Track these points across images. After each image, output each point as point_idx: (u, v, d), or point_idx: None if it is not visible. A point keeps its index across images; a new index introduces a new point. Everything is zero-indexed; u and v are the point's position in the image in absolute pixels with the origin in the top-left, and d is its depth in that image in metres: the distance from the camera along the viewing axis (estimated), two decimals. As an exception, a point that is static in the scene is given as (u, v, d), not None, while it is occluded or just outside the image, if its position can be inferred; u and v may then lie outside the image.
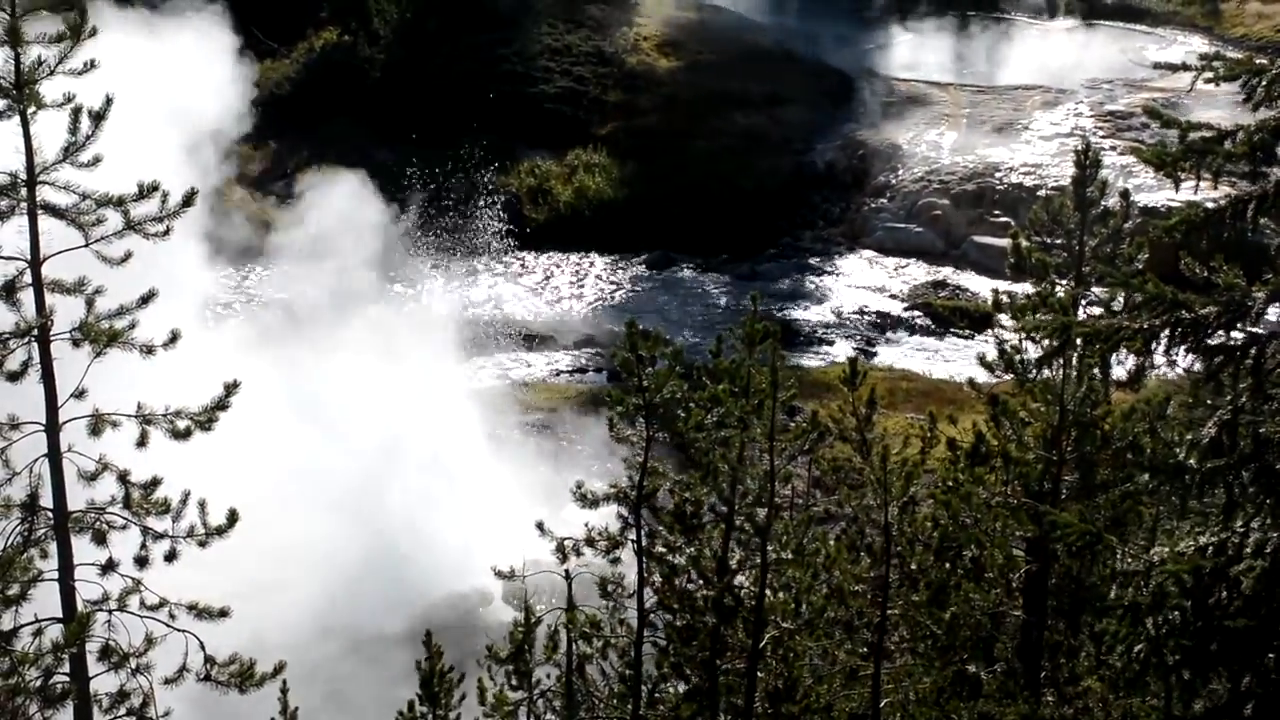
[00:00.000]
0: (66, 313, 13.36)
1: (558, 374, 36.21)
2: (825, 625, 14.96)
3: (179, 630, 14.05)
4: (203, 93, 27.01)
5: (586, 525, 14.26)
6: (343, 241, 32.23)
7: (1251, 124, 10.79)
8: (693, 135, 48.04)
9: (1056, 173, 43.09)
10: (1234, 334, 10.72)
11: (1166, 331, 10.70)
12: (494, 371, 36.20)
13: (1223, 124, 11.06)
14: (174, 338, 13.70)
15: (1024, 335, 16.92)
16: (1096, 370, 16.36)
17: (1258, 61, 10.83)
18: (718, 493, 13.95)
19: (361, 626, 23.81)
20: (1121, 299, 16.21)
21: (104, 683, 14.04)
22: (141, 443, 13.80)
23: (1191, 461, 10.86)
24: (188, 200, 13.55)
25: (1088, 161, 17.54)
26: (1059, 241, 17.91)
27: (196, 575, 14.34)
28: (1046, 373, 16.36)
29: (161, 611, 14.02)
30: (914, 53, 55.68)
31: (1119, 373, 17.27)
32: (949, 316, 39.73)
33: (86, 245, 13.31)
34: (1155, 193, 38.78)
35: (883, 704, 14.64)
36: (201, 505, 14.05)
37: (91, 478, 13.79)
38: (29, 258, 13.20)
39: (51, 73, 12.78)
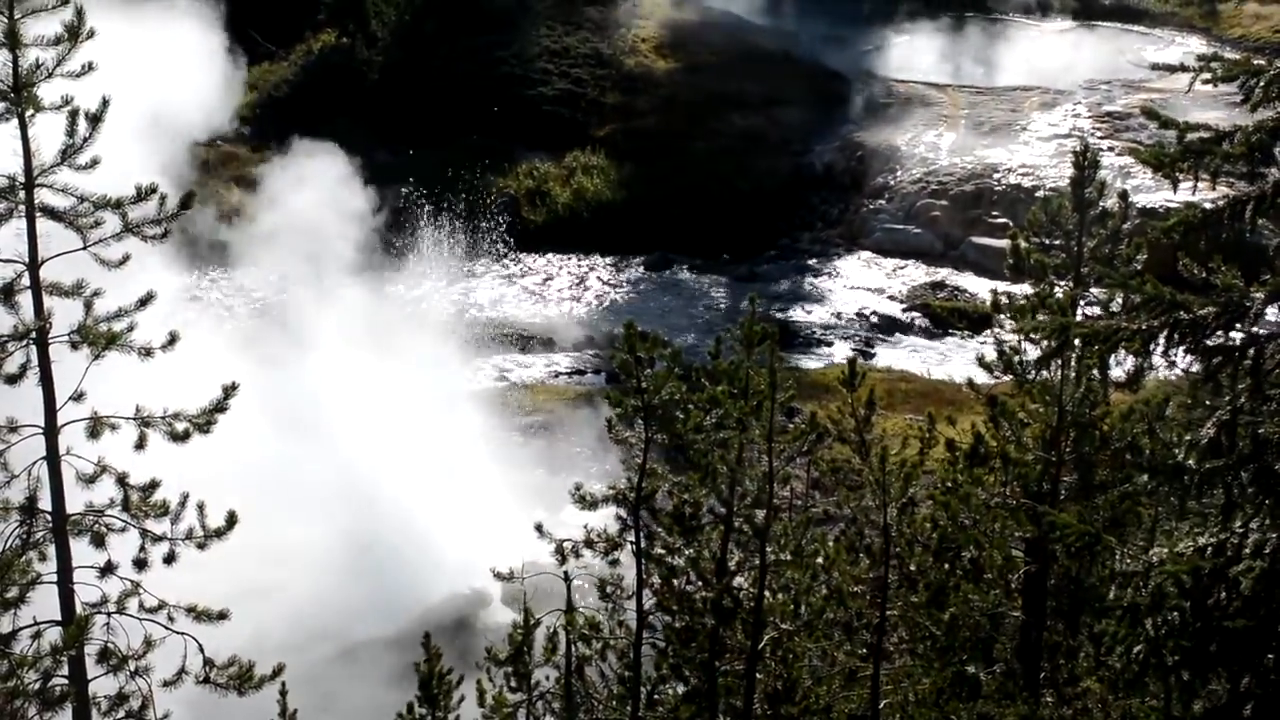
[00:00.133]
0: (65, 315, 13.35)
1: (556, 375, 36.21)
2: (824, 626, 14.96)
3: (178, 633, 14.05)
4: (186, 85, 26.85)
5: (585, 527, 14.25)
6: (342, 241, 32.22)
7: (1249, 125, 10.79)
8: (691, 137, 48.07)
9: (1054, 174, 43.11)
10: (1232, 334, 10.72)
11: (1165, 332, 10.70)
12: (492, 373, 36.20)
13: (1221, 125, 11.07)
14: (172, 340, 13.70)
15: (1022, 336, 16.93)
16: (1095, 371, 16.37)
17: (1255, 62, 10.84)
18: (716, 494, 13.95)
19: (360, 628, 23.80)
20: (1120, 300, 16.21)
21: (103, 685, 14.04)
22: (140, 445, 13.79)
23: (1190, 462, 10.86)
24: (185, 203, 13.56)
25: (1086, 162, 17.54)
26: (1057, 242, 17.91)
27: (194, 577, 14.34)
28: (1045, 373, 16.37)
29: (160, 614, 14.02)
30: (912, 54, 55.68)
31: (1117, 373, 17.28)
32: (947, 317, 39.74)
33: (84, 248, 13.31)
34: (1153, 193, 38.82)
35: (882, 705, 14.64)
36: (200, 508, 14.05)
37: (90, 480, 13.79)
38: (27, 260, 13.20)
39: (50, 75, 12.78)
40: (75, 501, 13.86)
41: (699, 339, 36.69)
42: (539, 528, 14.49)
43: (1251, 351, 10.65)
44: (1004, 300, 17.98)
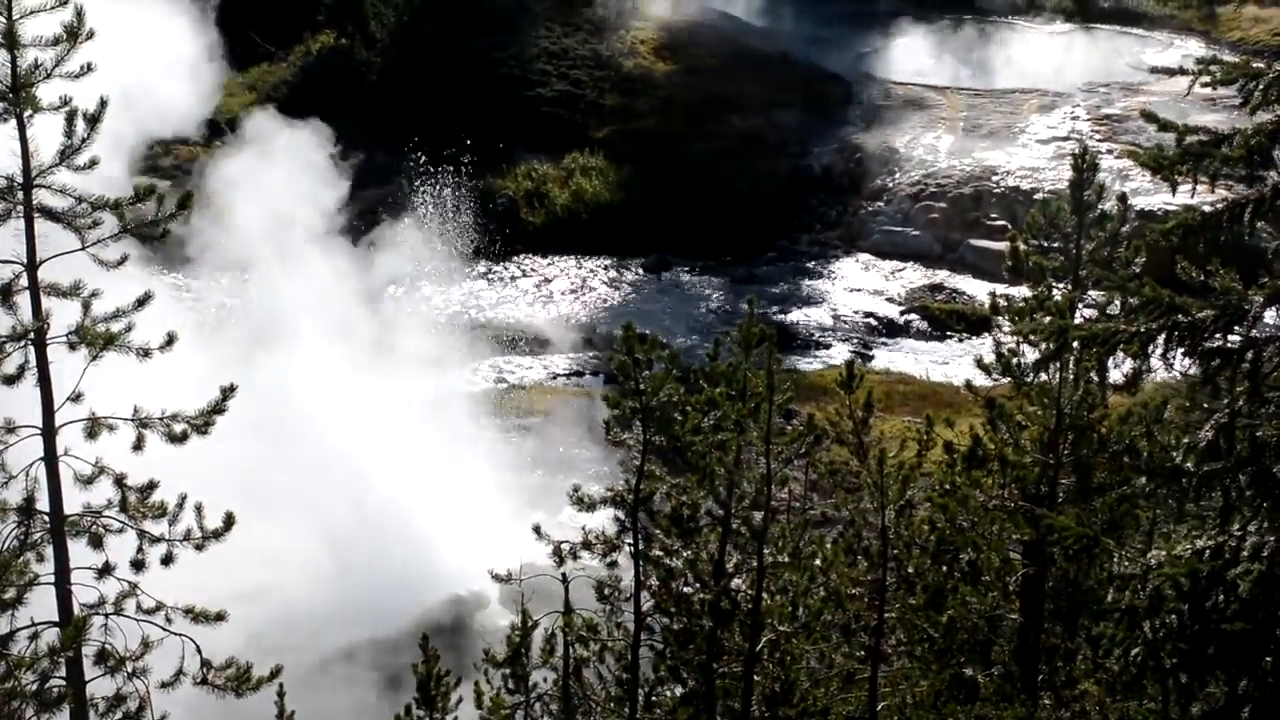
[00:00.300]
0: (63, 316, 13.35)
1: (555, 377, 36.21)
2: (822, 628, 14.96)
3: (175, 634, 14.04)
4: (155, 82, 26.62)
5: (583, 528, 14.26)
6: (341, 244, 32.18)
7: (1248, 128, 10.79)
8: (690, 139, 48.08)
9: (1053, 176, 43.14)
10: (1231, 337, 10.72)
11: (1163, 335, 10.70)
12: (490, 374, 36.20)
13: (1220, 128, 11.07)
14: (170, 341, 13.69)
15: (1021, 338, 16.93)
16: (1093, 373, 16.37)
17: (1254, 65, 10.83)
18: (714, 496, 13.95)
19: (359, 630, 23.78)
20: (1118, 302, 16.21)
21: (100, 686, 14.03)
22: (138, 446, 13.79)
23: (1188, 465, 10.85)
24: (184, 203, 13.56)
25: (1085, 165, 17.55)
26: (1056, 245, 17.91)
27: (192, 578, 14.33)
28: (1043, 376, 16.37)
29: (158, 615, 14.01)
30: (910, 57, 55.70)
31: (1116, 376, 17.27)
32: (946, 320, 39.75)
33: (83, 248, 13.31)
34: (1152, 196, 38.83)
35: (880, 707, 14.64)
36: (198, 509, 14.04)
37: (88, 481, 13.78)
38: (25, 261, 13.20)
39: (48, 76, 12.78)
40: (73, 502, 13.85)
41: (697, 341, 36.69)
42: (537, 529, 14.50)
43: (1250, 354, 10.65)
44: (1002, 302, 17.97)
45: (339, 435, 25.92)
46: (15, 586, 13.14)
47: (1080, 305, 17.47)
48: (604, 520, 14.34)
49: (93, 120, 13.00)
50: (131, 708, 13.98)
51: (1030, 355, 16.85)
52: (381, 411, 28.55)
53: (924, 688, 14.65)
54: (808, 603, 14.48)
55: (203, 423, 13.91)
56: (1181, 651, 10.59)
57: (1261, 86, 10.62)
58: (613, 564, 14.39)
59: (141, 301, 13.50)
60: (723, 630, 14.25)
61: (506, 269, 43.48)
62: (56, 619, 13.78)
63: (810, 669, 14.98)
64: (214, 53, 32.28)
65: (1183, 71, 11.32)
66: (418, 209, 42.63)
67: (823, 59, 54.32)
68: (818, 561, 14.75)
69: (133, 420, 13.74)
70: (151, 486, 13.90)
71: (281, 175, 30.16)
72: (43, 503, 13.71)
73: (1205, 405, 11.29)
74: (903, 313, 40.63)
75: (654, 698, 14.77)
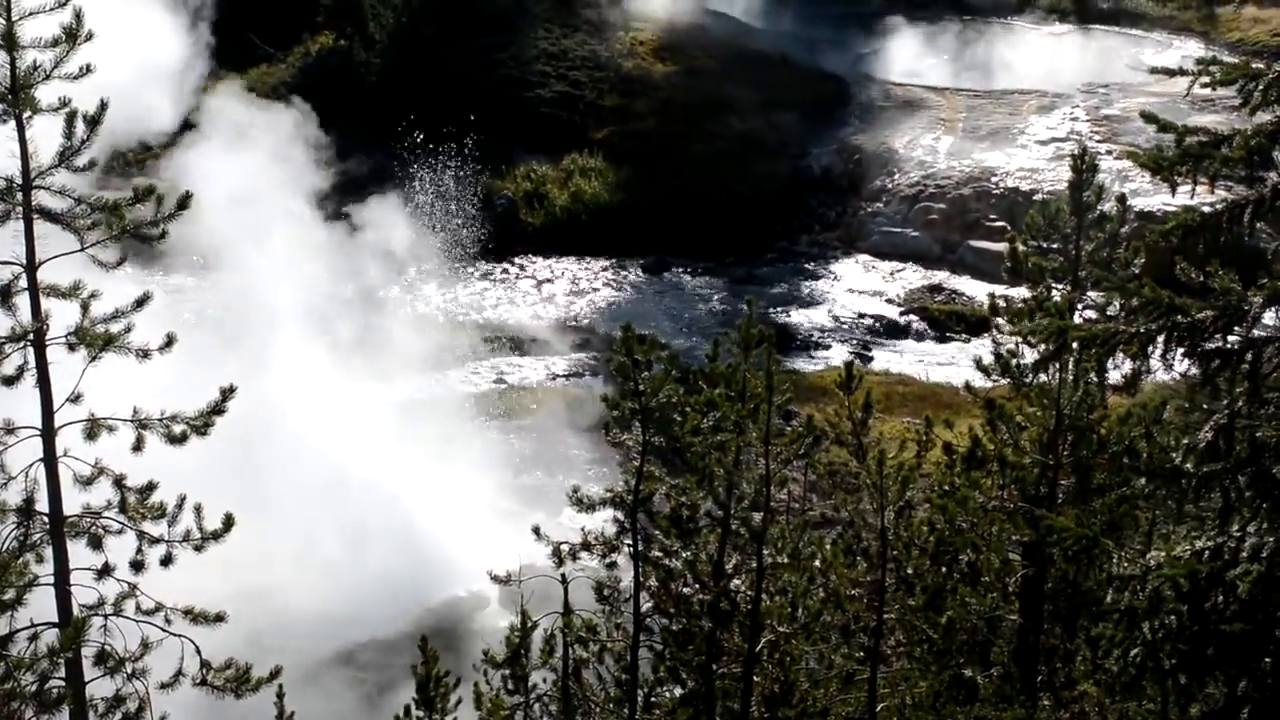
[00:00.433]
0: (62, 317, 13.35)
1: (554, 378, 36.21)
2: (821, 629, 14.96)
3: (175, 635, 14.03)
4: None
5: (583, 529, 14.25)
6: (339, 243, 32.18)
7: (1248, 129, 10.79)
8: (689, 140, 48.09)
9: (1052, 177, 43.16)
10: (1230, 338, 10.72)
11: (1163, 336, 10.69)
12: (489, 375, 36.20)
13: (1219, 129, 11.07)
14: (169, 342, 13.69)
15: (1020, 339, 16.92)
16: (1093, 374, 16.36)
17: (1254, 66, 10.83)
18: (714, 497, 13.95)
19: (358, 631, 23.79)
20: (1118, 303, 16.21)
21: (100, 688, 14.02)
22: (137, 447, 13.78)
23: (1188, 466, 10.85)
24: (183, 204, 13.56)
25: (1084, 166, 17.54)
26: (1055, 246, 17.90)
27: (191, 579, 14.33)
28: (1043, 377, 16.36)
29: (157, 616, 14.00)
30: (909, 58, 55.73)
31: (1115, 377, 17.26)
32: (945, 321, 39.77)
33: (82, 249, 13.31)
34: (1151, 197, 38.85)
35: (879, 708, 14.63)
36: (197, 510, 14.03)
37: (87, 482, 13.78)
38: (24, 262, 13.21)
39: (47, 77, 12.78)
40: (72, 503, 13.85)
41: (696, 342, 36.68)
42: (536, 530, 14.50)
43: (1249, 355, 10.65)
44: (1001, 303, 17.97)
45: (338, 436, 25.92)
46: (15, 587, 13.13)
47: (1079, 306, 17.47)
48: (603, 521, 14.34)
49: (92, 122, 13.00)
50: (131, 708, 13.97)
51: (1029, 356, 16.84)
52: (380, 412, 28.56)
53: (923, 689, 14.65)
54: (807, 604, 14.48)
55: (202, 424, 13.91)
56: (1181, 652, 10.59)
57: (1261, 87, 10.62)
58: (612, 565, 14.39)
59: (140, 302, 13.51)
60: (722, 631, 14.25)
61: (506, 270, 43.49)
62: (56, 620, 13.78)
63: (809, 670, 14.97)
64: (194, 58, 31.98)
65: (1182, 72, 11.32)
66: (416, 210, 42.62)
67: (822, 60, 54.36)
68: (817, 562, 14.74)
69: (132, 421, 13.74)
70: (151, 487, 13.90)
71: (256, 161, 29.70)
72: (42, 503, 13.71)
73: (1205, 406, 11.28)
74: (902, 314, 40.65)
75: (653, 699, 14.76)
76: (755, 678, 14.29)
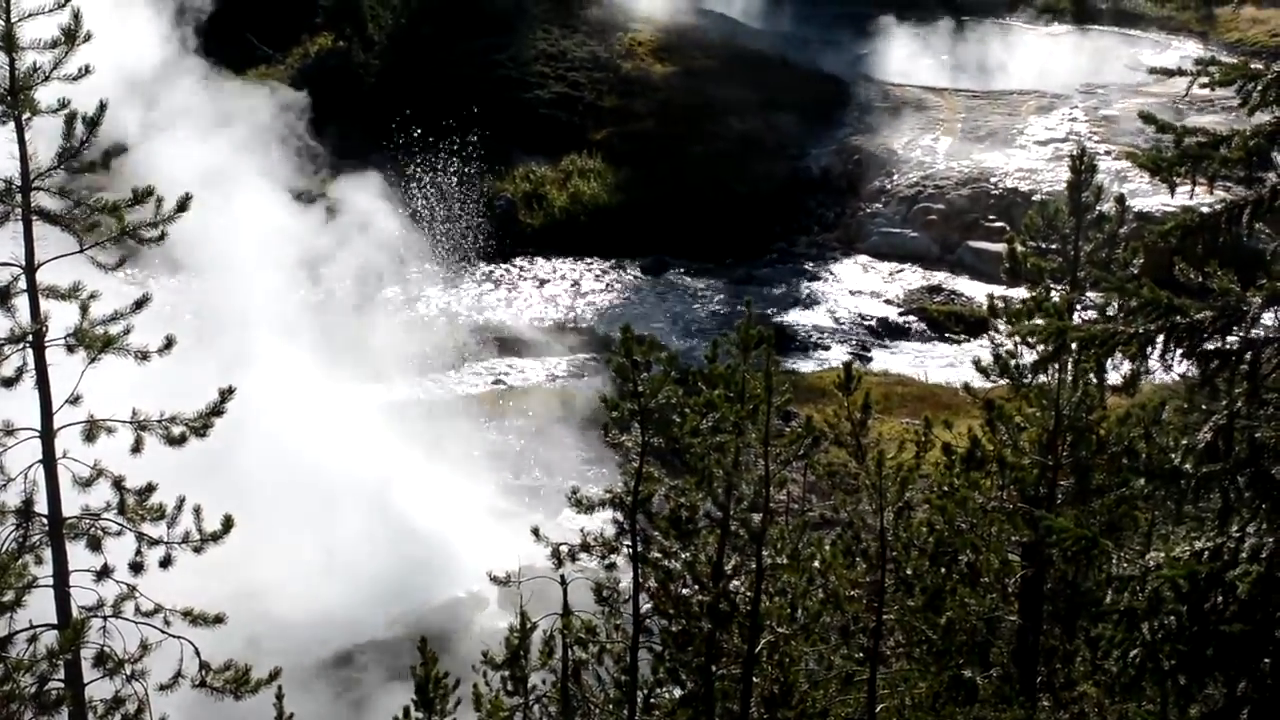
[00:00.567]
0: (61, 318, 13.35)
1: (553, 379, 36.21)
2: (821, 630, 14.96)
3: (174, 636, 14.03)
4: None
5: (582, 530, 14.26)
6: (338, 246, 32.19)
7: (1247, 129, 10.79)
8: (688, 140, 48.07)
9: (1051, 178, 43.15)
10: (1229, 339, 10.72)
11: (1162, 336, 10.69)
12: (488, 377, 36.20)
13: (1218, 129, 11.07)
14: (169, 343, 13.68)
15: (1019, 340, 16.92)
16: (1092, 375, 16.37)
17: (1253, 66, 10.82)
18: (713, 498, 13.95)
19: (357, 632, 23.79)
20: (1117, 304, 16.22)
21: (99, 689, 14.02)
22: (136, 449, 13.78)
23: (1187, 466, 10.85)
24: (182, 206, 13.56)
25: (1083, 166, 17.55)
26: (1054, 246, 17.91)
27: (189, 580, 14.33)
28: (1042, 377, 16.37)
29: (156, 617, 14.00)
30: (908, 58, 55.73)
31: (1114, 378, 17.28)
32: (944, 321, 39.76)
33: (81, 251, 13.32)
34: (1150, 198, 38.83)
35: (878, 709, 14.63)
36: (196, 511, 14.03)
37: (86, 483, 13.78)
38: (24, 264, 13.21)
39: (46, 78, 12.78)
40: (71, 505, 13.85)
41: (695, 342, 36.70)
42: (536, 531, 14.50)
43: (1248, 356, 10.65)
44: (1000, 304, 17.97)
45: (337, 438, 25.93)
46: (14, 589, 13.12)
47: (1078, 307, 17.48)
48: (602, 522, 14.34)
49: (91, 123, 13.01)
50: (130, 710, 13.97)
51: (1028, 357, 16.84)
52: (379, 414, 28.57)
53: (923, 689, 14.65)
54: (806, 604, 14.48)
55: (201, 425, 13.90)
56: (1180, 653, 10.59)
57: (1260, 88, 10.61)
58: (611, 566, 14.39)
59: (140, 304, 13.51)
60: (721, 632, 14.25)
61: (505, 271, 43.47)
62: (55, 621, 13.78)
63: (809, 671, 14.97)
64: (176, 58, 31.80)
65: (1181, 73, 11.32)
66: (415, 211, 42.64)
67: (821, 61, 54.35)
68: (816, 563, 14.75)
69: (131, 423, 13.74)
70: (150, 489, 13.89)
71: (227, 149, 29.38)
72: (41, 505, 13.71)
73: (1204, 407, 11.28)
74: (901, 314, 40.65)
75: (653, 700, 14.76)
76: (754, 679, 14.29)
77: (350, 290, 33.29)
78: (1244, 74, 10.71)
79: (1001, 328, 17.70)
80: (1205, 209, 10.93)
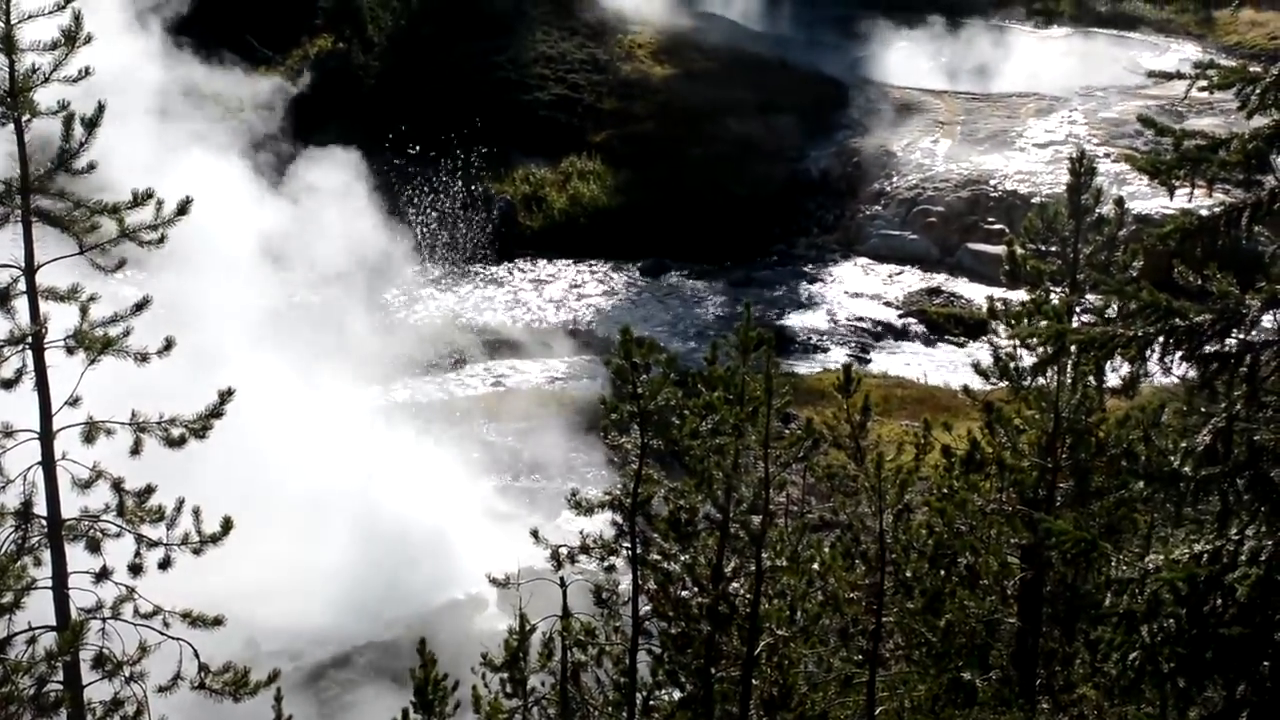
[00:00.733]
0: (60, 320, 13.35)
1: (552, 381, 36.21)
2: (820, 632, 14.96)
3: (173, 638, 14.02)
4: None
5: (581, 532, 14.25)
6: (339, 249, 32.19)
7: (1245, 132, 10.80)
8: (687, 142, 48.07)
9: (1051, 180, 43.14)
10: (1228, 341, 10.72)
11: (1161, 339, 10.69)
12: (487, 378, 36.21)
13: (1217, 132, 11.07)
14: (168, 345, 13.68)
15: (1018, 342, 16.91)
16: (1091, 377, 16.36)
17: (1252, 69, 10.83)
18: (712, 500, 13.95)
19: (356, 634, 23.80)
20: (1116, 306, 16.22)
21: (98, 691, 14.00)
22: (135, 450, 13.78)
23: (1186, 469, 10.85)
24: (182, 208, 13.55)
25: (1082, 169, 17.54)
26: (1053, 249, 17.90)
27: (187, 582, 14.32)
28: (1041, 380, 16.36)
29: (155, 619, 13.99)
30: (908, 60, 55.73)
31: (1113, 380, 17.26)
32: (943, 323, 39.78)
33: (81, 252, 13.32)
34: (1149, 200, 38.80)
35: (878, 711, 14.64)
36: (196, 513, 14.02)
37: (85, 485, 13.77)
38: (23, 265, 13.21)
39: (46, 80, 12.78)
40: (70, 506, 13.85)
41: (695, 344, 36.71)
42: (535, 533, 14.49)
43: (1247, 358, 10.65)
44: (1000, 306, 17.96)
45: (335, 439, 25.93)
46: (13, 591, 13.12)
47: (1078, 309, 17.48)
48: (602, 524, 14.33)
49: (90, 124, 13.00)
50: (129, 712, 13.95)
51: (1028, 359, 16.83)
52: (378, 415, 28.57)
53: (922, 692, 14.65)
54: (806, 607, 14.47)
55: (200, 427, 13.90)
56: (1179, 656, 10.58)
57: (1258, 90, 10.62)
58: (610, 568, 14.38)
59: (140, 306, 13.51)
60: (721, 634, 14.25)
61: (504, 273, 43.47)
62: (54, 623, 13.77)
63: (808, 673, 14.97)
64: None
65: (1180, 76, 11.32)
66: (415, 213, 42.67)
67: (820, 63, 54.33)
68: (816, 565, 14.74)
69: (130, 424, 13.74)
70: (149, 490, 13.89)
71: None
72: (40, 507, 13.70)
73: (1203, 409, 11.28)
74: (900, 316, 40.66)
75: (652, 702, 14.76)
76: (754, 681, 14.29)
77: (349, 292, 33.28)
78: (1242, 77, 10.71)
79: (1001, 330, 17.69)
80: (1204, 212, 10.93)
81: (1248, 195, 10.78)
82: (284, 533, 22.36)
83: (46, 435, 13.59)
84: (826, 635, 15.27)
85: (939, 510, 15.49)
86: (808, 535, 15.10)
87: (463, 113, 47.81)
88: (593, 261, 43.94)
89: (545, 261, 44.09)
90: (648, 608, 14.49)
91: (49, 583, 13.75)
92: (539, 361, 37.28)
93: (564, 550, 14.22)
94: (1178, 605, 10.55)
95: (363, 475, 25.36)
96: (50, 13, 12.72)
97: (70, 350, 13.27)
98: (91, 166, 13.14)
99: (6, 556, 13.39)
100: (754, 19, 58.74)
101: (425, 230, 42.92)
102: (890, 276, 43.22)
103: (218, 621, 14.02)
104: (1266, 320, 10.73)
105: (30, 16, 12.62)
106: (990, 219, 43.61)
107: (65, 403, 13.62)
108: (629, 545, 14.21)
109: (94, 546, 13.90)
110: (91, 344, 13.16)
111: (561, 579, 14.36)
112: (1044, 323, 15.58)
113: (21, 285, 13.24)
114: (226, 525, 14.08)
